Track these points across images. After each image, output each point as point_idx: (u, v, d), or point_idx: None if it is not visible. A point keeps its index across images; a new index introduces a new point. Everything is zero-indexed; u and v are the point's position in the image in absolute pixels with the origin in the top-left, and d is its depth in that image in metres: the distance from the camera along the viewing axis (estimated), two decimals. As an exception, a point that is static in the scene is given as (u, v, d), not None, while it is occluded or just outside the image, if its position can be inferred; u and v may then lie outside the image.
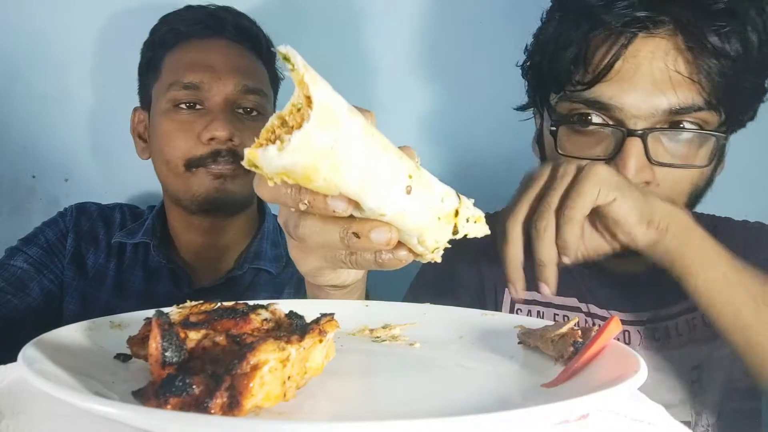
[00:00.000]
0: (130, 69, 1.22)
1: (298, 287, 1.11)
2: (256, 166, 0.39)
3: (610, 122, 0.79)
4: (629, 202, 0.68)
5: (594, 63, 0.78)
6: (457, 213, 0.48)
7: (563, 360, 0.50)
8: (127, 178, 1.34)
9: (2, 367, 0.45)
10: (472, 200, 0.49)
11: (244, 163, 0.39)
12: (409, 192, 0.45)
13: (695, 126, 0.77)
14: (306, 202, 0.44)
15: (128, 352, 0.45)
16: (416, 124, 1.35)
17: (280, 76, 1.20)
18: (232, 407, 0.33)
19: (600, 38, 0.78)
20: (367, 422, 0.30)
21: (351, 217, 0.45)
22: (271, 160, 0.38)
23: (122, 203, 1.23)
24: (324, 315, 0.42)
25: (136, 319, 0.49)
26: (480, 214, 0.49)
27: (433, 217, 0.47)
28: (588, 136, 0.81)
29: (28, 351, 0.40)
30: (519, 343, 0.56)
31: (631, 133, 0.76)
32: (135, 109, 1.17)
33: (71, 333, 0.48)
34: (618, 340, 0.48)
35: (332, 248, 0.49)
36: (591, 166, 0.69)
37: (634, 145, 0.75)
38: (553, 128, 0.84)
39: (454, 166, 1.34)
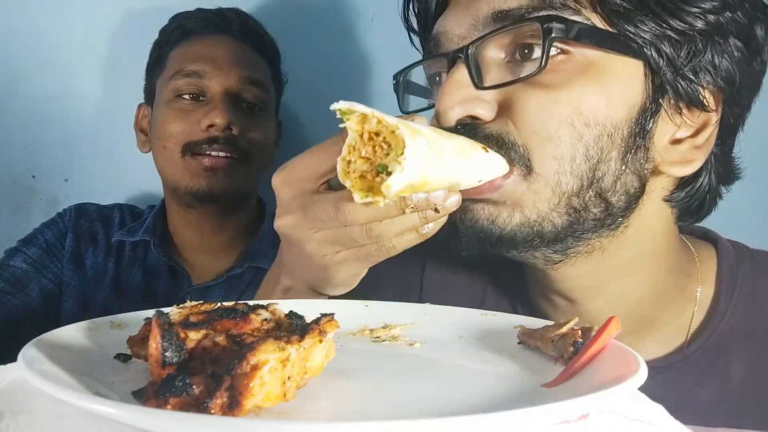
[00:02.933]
0: (131, 70, 1.23)
1: None
2: (375, 196, 0.48)
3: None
4: None
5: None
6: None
7: (563, 360, 0.49)
8: (127, 178, 1.34)
9: (2, 367, 0.45)
10: None
11: (365, 200, 0.48)
12: (486, 150, 0.56)
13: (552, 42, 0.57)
14: (412, 205, 0.52)
15: (128, 352, 0.45)
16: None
17: (284, 78, 1.21)
18: (232, 407, 0.33)
19: None
20: (367, 422, 0.30)
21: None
22: (397, 181, 0.46)
23: (121, 203, 1.23)
24: (324, 315, 0.42)
25: (136, 319, 0.49)
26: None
27: None
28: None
29: (28, 351, 0.40)
30: (519, 343, 0.56)
31: (452, 57, 0.61)
32: (140, 105, 1.18)
33: (71, 333, 0.48)
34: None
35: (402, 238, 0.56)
36: None
37: (454, 69, 0.60)
38: (394, 81, 0.72)
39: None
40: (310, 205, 0.56)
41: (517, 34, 0.59)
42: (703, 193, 0.66)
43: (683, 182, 0.65)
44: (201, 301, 0.47)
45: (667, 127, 0.62)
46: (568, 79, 0.58)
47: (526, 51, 0.58)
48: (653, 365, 0.60)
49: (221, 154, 1.04)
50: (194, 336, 0.37)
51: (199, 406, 0.33)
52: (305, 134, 1.33)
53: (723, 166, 0.67)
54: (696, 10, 0.58)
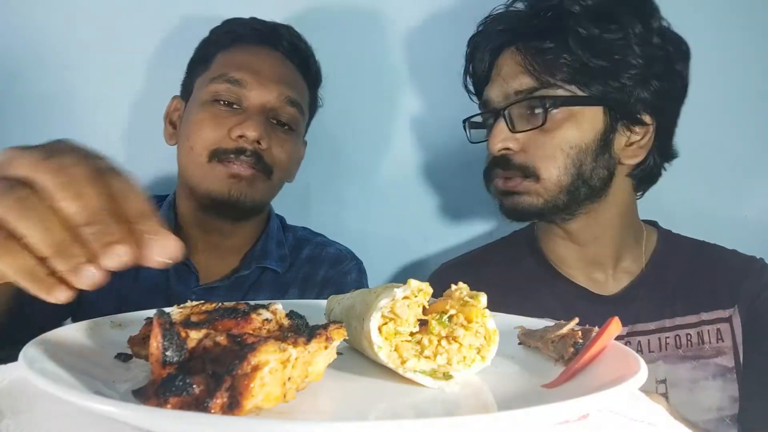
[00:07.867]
0: (132, 70, 1.22)
1: (302, 287, 1.12)
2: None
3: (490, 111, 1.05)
4: None
5: (479, 74, 1.10)
6: None
7: (563, 361, 0.50)
8: (127, 178, 1.34)
9: (3, 366, 0.45)
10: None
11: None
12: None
13: (546, 101, 0.98)
14: None
15: (129, 351, 0.45)
16: (429, 123, 1.35)
17: (320, 103, 1.22)
18: (232, 407, 0.33)
19: (484, 57, 1.08)
20: (367, 422, 0.30)
21: None
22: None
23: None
24: (334, 322, 0.42)
25: (136, 318, 0.50)
26: None
27: None
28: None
29: (29, 350, 0.40)
30: (519, 343, 0.56)
31: (496, 113, 1.01)
32: (174, 97, 1.18)
33: (72, 332, 0.48)
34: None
35: None
36: None
37: (499, 121, 1.00)
38: (464, 121, 1.13)
39: (457, 161, 1.34)
40: None
41: (527, 103, 0.99)
42: (649, 169, 1.05)
43: (638, 164, 1.03)
44: (202, 301, 0.47)
45: (622, 137, 1.00)
46: (559, 124, 0.97)
47: (534, 111, 0.99)
48: (627, 287, 1.07)
49: (245, 167, 1.04)
50: (195, 335, 0.37)
51: (199, 405, 0.33)
52: (334, 150, 1.34)
53: (662, 153, 1.05)
54: (627, 75, 0.96)
